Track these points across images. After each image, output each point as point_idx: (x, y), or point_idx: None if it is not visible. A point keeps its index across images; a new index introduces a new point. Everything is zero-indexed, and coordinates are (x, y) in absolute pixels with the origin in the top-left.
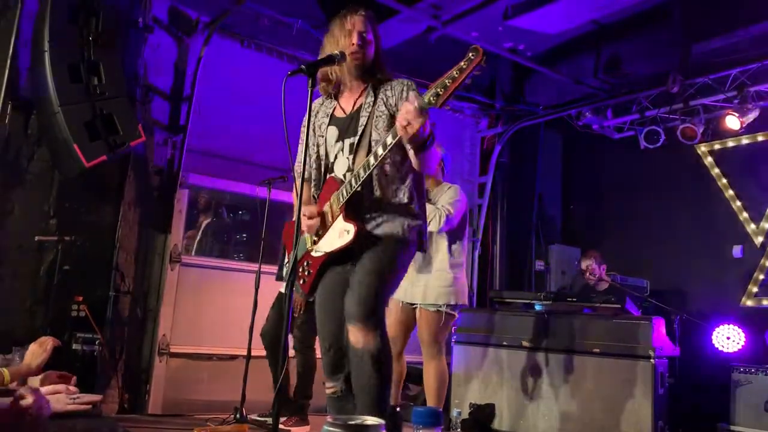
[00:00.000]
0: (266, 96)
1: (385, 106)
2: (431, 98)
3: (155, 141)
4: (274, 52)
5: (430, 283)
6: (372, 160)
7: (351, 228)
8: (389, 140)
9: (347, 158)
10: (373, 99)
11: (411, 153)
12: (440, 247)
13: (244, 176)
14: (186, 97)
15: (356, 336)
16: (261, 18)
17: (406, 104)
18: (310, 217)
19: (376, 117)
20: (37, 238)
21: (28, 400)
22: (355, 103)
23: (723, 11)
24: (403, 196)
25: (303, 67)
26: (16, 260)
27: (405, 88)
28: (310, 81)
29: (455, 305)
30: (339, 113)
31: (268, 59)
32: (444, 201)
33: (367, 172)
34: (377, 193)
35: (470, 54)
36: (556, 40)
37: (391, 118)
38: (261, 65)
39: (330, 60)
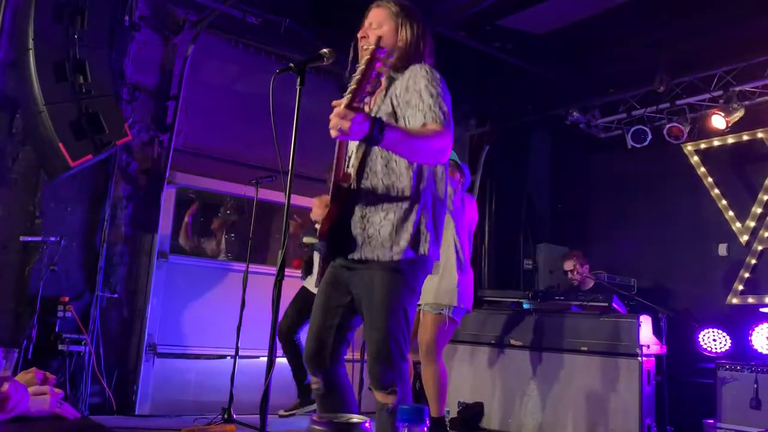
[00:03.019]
0: (254, 95)
1: (391, 100)
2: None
3: (142, 140)
4: (263, 51)
5: (436, 284)
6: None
7: (320, 226)
8: None
9: (355, 151)
10: (384, 94)
11: None
12: (449, 252)
13: (232, 175)
14: (173, 95)
15: (376, 395)
16: (249, 16)
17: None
18: (324, 206)
19: (383, 114)
20: (22, 238)
21: (4, 388)
22: (376, 97)
23: (708, 10)
24: (404, 190)
25: (291, 65)
26: (1, 261)
27: (411, 76)
28: (298, 79)
29: (458, 308)
30: (366, 108)
31: (256, 58)
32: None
33: (353, 176)
34: (364, 188)
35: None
36: (545, 40)
37: (395, 115)
38: (249, 64)
39: (319, 58)
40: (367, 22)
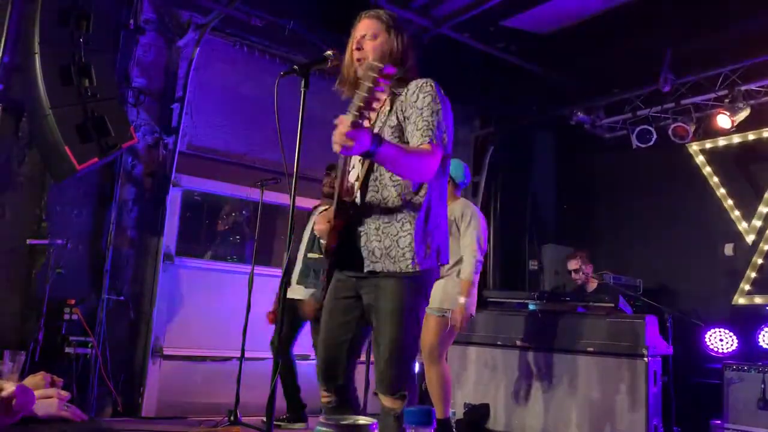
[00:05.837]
0: (259, 97)
1: (397, 115)
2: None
3: (147, 143)
4: (267, 54)
5: (441, 288)
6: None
7: (326, 242)
8: None
9: (360, 164)
10: (389, 108)
11: None
12: (454, 257)
13: (237, 178)
14: (178, 98)
15: (383, 400)
16: (253, 19)
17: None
18: (327, 221)
19: (387, 128)
20: (28, 241)
21: (9, 390)
22: (379, 112)
23: (713, 8)
24: (406, 202)
25: (296, 67)
26: (7, 264)
27: (416, 91)
28: (303, 82)
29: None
30: (366, 122)
31: (260, 60)
32: (468, 237)
33: (358, 189)
34: (375, 201)
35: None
36: (548, 40)
37: (400, 128)
38: (254, 66)
39: (322, 60)
40: (358, 34)
